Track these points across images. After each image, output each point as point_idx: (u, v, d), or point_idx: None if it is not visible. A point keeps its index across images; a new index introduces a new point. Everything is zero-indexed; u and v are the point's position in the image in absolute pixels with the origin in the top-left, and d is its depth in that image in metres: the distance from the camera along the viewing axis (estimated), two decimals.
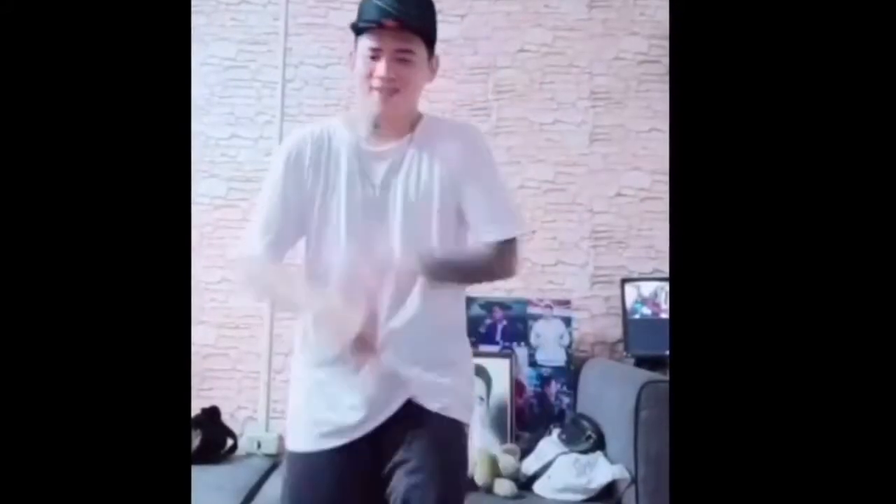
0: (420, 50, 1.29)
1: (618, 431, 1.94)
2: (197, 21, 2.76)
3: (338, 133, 1.34)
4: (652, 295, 2.56)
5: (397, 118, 1.32)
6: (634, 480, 1.80)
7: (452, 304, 1.38)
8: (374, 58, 1.26)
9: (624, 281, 2.60)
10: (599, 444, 2.03)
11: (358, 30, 1.29)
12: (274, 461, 2.51)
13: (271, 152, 2.75)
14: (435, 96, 2.75)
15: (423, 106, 2.75)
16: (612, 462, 1.94)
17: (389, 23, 1.24)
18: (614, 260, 2.72)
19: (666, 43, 2.72)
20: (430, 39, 1.31)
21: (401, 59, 1.26)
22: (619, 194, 2.75)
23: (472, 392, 1.42)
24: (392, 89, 1.26)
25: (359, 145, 1.32)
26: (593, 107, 2.79)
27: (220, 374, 2.67)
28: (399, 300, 1.30)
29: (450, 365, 1.34)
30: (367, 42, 1.27)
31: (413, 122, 1.36)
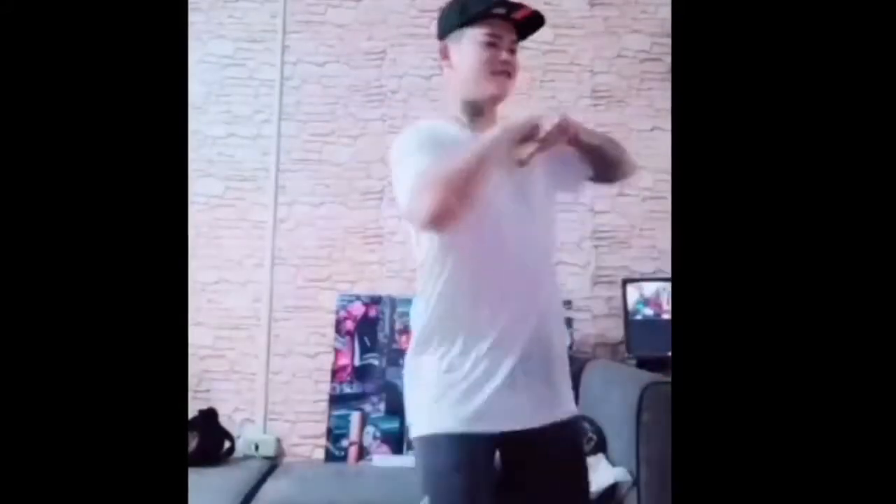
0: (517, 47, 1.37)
1: (619, 433, 1.94)
2: (194, 18, 2.76)
3: (444, 129, 1.35)
4: (654, 295, 2.56)
5: (500, 104, 1.38)
6: (636, 483, 1.80)
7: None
8: (493, 45, 1.32)
9: (626, 281, 2.60)
10: (601, 446, 2.03)
11: (470, 19, 1.33)
12: (272, 463, 2.52)
13: (269, 151, 2.76)
14: (436, 94, 2.76)
15: (425, 104, 2.78)
16: (613, 464, 1.94)
17: (519, 14, 1.32)
18: (616, 260, 2.73)
19: (668, 41, 2.72)
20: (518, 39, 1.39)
21: (512, 48, 1.35)
22: (621, 194, 2.75)
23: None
24: (508, 73, 1.34)
25: (471, 134, 1.33)
26: (595, 105, 2.80)
27: (217, 376, 2.67)
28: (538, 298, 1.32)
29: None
30: (485, 30, 1.32)
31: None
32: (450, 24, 1.37)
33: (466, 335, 1.27)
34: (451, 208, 1.16)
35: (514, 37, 1.35)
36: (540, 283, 1.33)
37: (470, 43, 1.33)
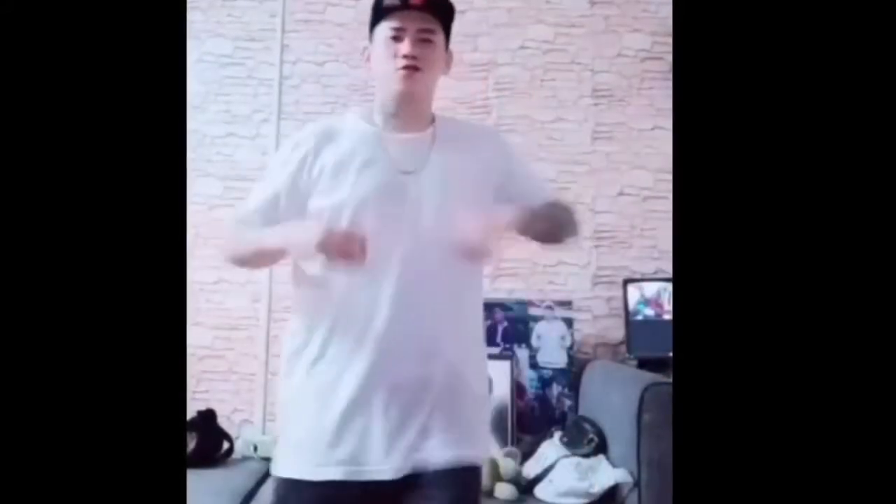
0: (440, 33, 1.31)
1: (620, 434, 1.94)
2: (193, 17, 2.76)
3: (351, 124, 1.35)
4: (655, 296, 2.56)
5: (417, 102, 1.32)
6: (637, 484, 1.80)
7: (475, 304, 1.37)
8: (397, 38, 1.28)
9: (626, 281, 2.60)
10: (601, 447, 2.03)
11: (377, 16, 1.32)
12: (271, 464, 2.51)
13: (268, 151, 2.76)
14: (437, 94, 2.75)
15: None
16: (614, 466, 1.94)
17: (416, 1, 1.27)
18: (617, 260, 2.72)
19: (669, 39, 2.72)
20: (448, 25, 1.34)
21: (424, 38, 1.29)
22: (621, 193, 2.75)
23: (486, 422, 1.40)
24: (415, 67, 1.27)
25: (378, 133, 1.32)
26: (595, 104, 2.79)
27: (216, 377, 2.66)
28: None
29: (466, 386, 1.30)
30: (388, 24, 1.29)
31: (430, 117, 1.37)
32: (370, 25, 1.35)
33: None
34: (234, 263, 1.42)
35: (426, 25, 1.28)
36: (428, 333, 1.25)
37: (378, 41, 1.31)
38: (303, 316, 1.35)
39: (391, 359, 1.23)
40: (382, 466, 1.20)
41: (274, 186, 1.32)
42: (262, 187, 1.34)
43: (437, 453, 1.22)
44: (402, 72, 1.27)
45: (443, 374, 1.25)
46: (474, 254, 1.20)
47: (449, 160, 1.30)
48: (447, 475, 1.21)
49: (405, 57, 1.27)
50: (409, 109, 1.32)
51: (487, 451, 1.35)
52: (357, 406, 1.22)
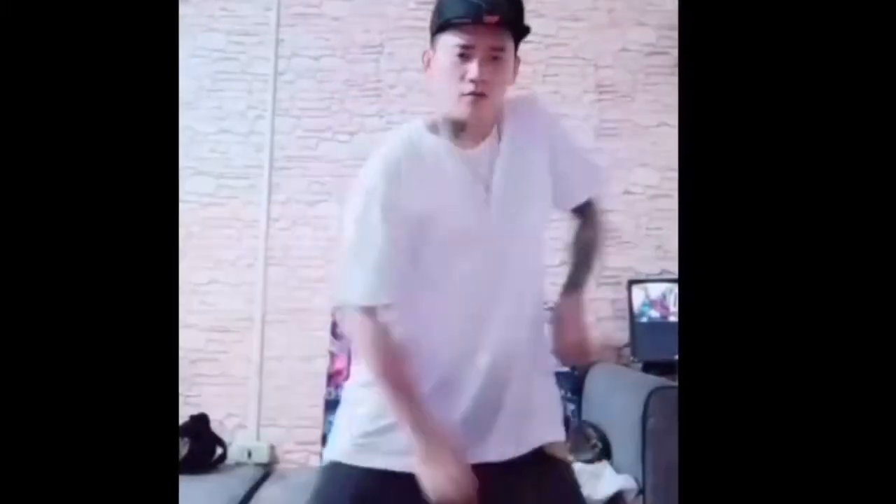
0: (510, 48, 1.22)
1: (625, 440, 1.94)
2: (185, 11, 2.75)
3: (425, 138, 1.26)
4: (660, 297, 2.56)
5: (484, 124, 1.25)
6: (642, 491, 1.81)
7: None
8: (465, 56, 1.18)
9: (631, 282, 2.60)
10: (605, 452, 2.04)
11: (441, 26, 1.20)
12: (265, 471, 2.51)
13: (262, 148, 2.76)
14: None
15: (423, 100, 2.77)
16: (618, 472, 1.94)
17: (490, 18, 1.16)
18: (621, 260, 2.72)
19: (675, 33, 2.72)
20: (520, 36, 1.24)
21: (494, 56, 1.19)
22: (626, 192, 2.76)
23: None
24: (482, 94, 1.19)
25: (453, 147, 1.25)
26: (599, 100, 2.80)
27: (208, 380, 2.67)
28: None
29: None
30: (456, 39, 1.18)
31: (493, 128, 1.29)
32: (432, 27, 1.24)
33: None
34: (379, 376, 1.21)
35: (497, 43, 1.19)
36: (490, 321, 1.25)
37: (442, 52, 1.21)
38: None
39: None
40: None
41: (380, 243, 1.20)
42: (373, 259, 1.20)
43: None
44: (468, 98, 1.19)
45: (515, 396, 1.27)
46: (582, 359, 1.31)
47: (514, 164, 1.27)
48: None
49: (473, 82, 1.18)
50: (475, 130, 1.25)
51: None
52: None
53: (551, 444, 1.29)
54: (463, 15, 1.16)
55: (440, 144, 1.25)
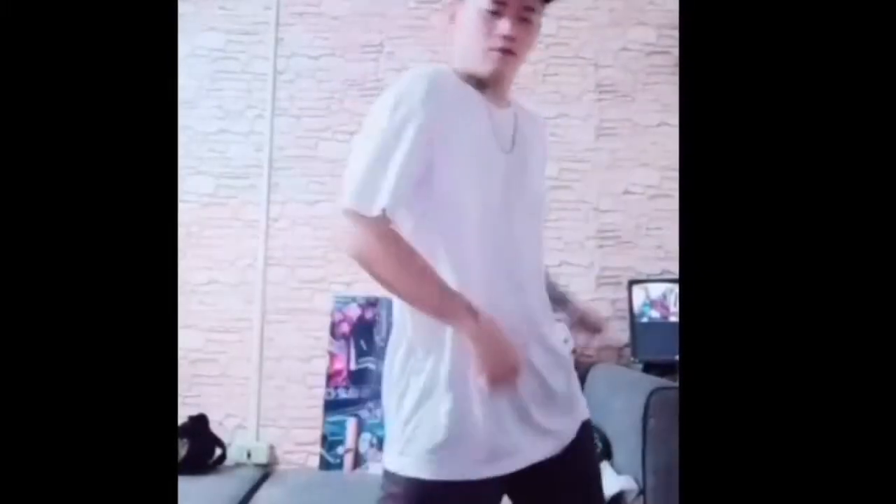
0: (540, 10, 1.22)
1: (625, 440, 1.94)
2: (184, 10, 2.76)
3: (459, 83, 1.21)
4: (661, 297, 2.56)
5: (505, 83, 1.26)
6: (642, 492, 1.80)
7: None
8: (496, 13, 1.18)
9: (631, 282, 2.60)
10: (606, 453, 2.03)
11: None
12: (264, 471, 2.51)
13: (262, 148, 2.77)
14: None
15: None
16: (618, 473, 1.93)
17: None
18: (621, 260, 2.73)
19: (676, 33, 2.72)
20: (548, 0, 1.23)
21: (524, 17, 1.20)
22: (626, 192, 2.76)
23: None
24: (510, 51, 1.19)
25: (485, 101, 1.22)
26: (600, 100, 2.80)
27: (208, 380, 2.67)
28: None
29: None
30: None
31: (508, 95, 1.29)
32: None
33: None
34: (366, 262, 1.14)
35: (530, 3, 1.19)
36: (526, 293, 1.22)
37: (472, 7, 1.20)
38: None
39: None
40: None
41: (405, 162, 1.12)
42: (388, 157, 1.12)
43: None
44: (496, 53, 1.19)
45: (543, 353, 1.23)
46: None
47: (527, 145, 1.26)
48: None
49: (504, 38, 1.18)
50: (496, 89, 1.24)
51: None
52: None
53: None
54: None
55: (473, 94, 1.21)
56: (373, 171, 1.12)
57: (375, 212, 1.10)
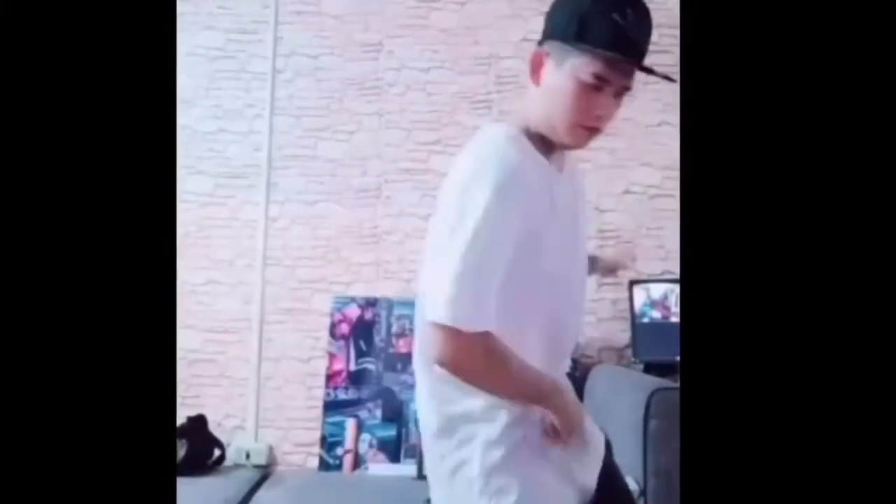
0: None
1: (625, 442, 1.93)
2: (183, 9, 2.76)
3: (529, 149, 1.15)
4: (662, 297, 2.56)
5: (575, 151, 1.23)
6: (643, 494, 1.80)
7: None
8: (597, 89, 1.11)
9: (632, 283, 2.60)
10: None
11: (579, 39, 1.10)
12: (264, 472, 2.51)
13: (260, 147, 2.76)
14: (433, 88, 2.76)
15: (423, 99, 2.78)
16: None
17: (636, 62, 1.11)
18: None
19: (676, 32, 2.72)
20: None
21: (619, 93, 1.14)
22: (627, 191, 2.76)
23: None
24: (599, 129, 1.15)
25: (551, 167, 1.18)
26: None
27: (206, 381, 2.67)
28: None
29: None
30: (594, 66, 1.09)
31: None
32: (558, 29, 1.13)
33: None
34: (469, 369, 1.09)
35: (630, 81, 1.13)
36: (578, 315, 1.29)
37: (568, 75, 1.11)
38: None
39: None
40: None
41: (510, 269, 1.08)
42: (492, 268, 1.06)
43: None
44: (586, 131, 1.14)
45: None
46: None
47: (578, 210, 1.26)
48: None
49: (600, 118, 1.13)
50: (564, 155, 1.22)
51: None
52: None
53: None
54: (613, 46, 1.08)
55: (543, 163, 1.16)
56: (477, 284, 1.04)
57: (480, 329, 1.05)
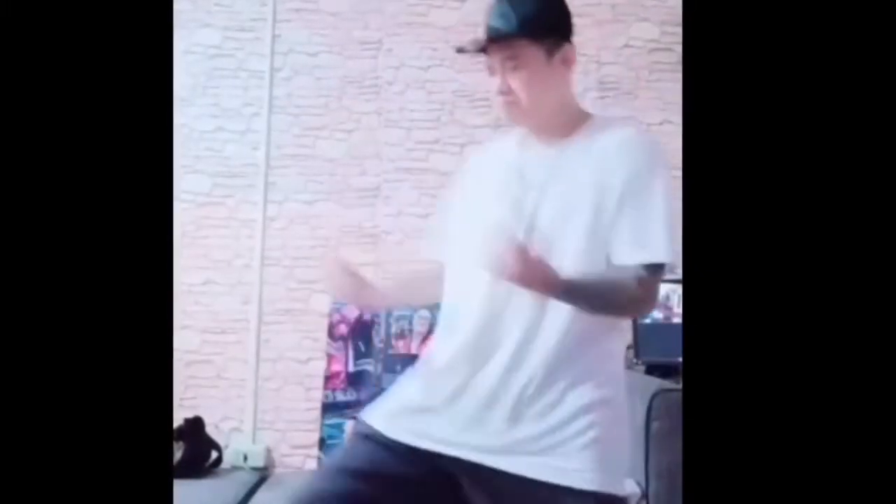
0: (529, 51, 1.33)
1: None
2: (180, 6, 2.76)
3: (507, 137, 1.44)
4: (664, 298, 2.55)
5: (532, 121, 1.38)
6: (645, 495, 1.80)
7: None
8: (493, 71, 1.34)
9: None
10: None
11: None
12: (261, 475, 2.51)
13: (258, 146, 2.76)
14: (433, 86, 2.76)
15: (422, 97, 2.77)
16: None
17: (485, 45, 1.32)
18: None
19: (679, 30, 2.72)
20: (538, 34, 1.35)
21: (512, 67, 1.32)
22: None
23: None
24: (511, 101, 1.33)
25: (522, 144, 1.40)
26: (602, 98, 2.79)
27: (204, 382, 2.67)
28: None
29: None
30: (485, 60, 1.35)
31: (576, 122, 1.41)
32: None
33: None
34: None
35: (507, 53, 1.31)
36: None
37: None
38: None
39: None
40: None
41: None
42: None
43: None
44: (504, 108, 1.36)
45: None
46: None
47: (579, 177, 1.29)
48: None
49: (498, 92, 1.33)
50: (538, 131, 1.39)
51: None
52: None
53: None
54: (468, 48, 1.36)
55: (512, 142, 1.45)
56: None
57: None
